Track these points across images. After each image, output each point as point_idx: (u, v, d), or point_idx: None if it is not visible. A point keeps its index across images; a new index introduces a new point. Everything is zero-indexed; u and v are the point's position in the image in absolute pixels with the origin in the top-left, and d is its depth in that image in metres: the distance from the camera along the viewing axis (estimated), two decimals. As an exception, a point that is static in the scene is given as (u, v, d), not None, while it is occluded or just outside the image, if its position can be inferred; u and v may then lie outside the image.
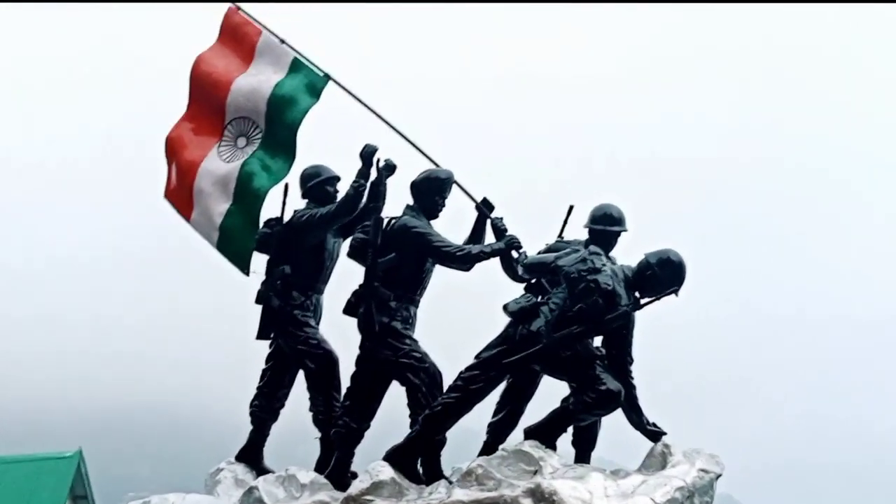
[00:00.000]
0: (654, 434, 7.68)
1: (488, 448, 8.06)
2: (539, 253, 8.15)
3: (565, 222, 8.35)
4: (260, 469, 8.81)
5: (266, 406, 8.91)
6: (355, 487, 7.74)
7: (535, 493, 7.12)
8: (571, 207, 8.32)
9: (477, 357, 7.87)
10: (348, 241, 8.77)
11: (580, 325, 7.51)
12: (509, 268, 8.23)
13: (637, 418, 7.72)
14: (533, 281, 8.21)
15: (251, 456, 8.92)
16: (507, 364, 7.70)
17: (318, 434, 8.65)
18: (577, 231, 8.36)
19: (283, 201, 8.88)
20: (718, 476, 7.45)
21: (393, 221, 8.37)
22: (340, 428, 8.40)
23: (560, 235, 8.37)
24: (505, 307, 7.78)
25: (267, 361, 8.93)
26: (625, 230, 8.02)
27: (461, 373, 7.87)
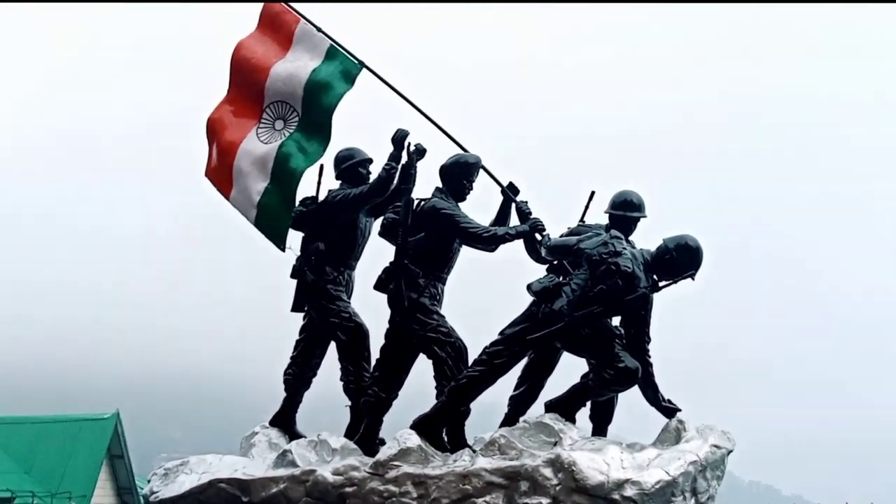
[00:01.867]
0: (669, 410, 7.73)
1: (510, 420, 8.12)
2: (561, 236, 8.16)
3: (587, 207, 8.38)
4: (292, 434, 8.88)
5: (299, 375, 8.98)
6: (384, 453, 7.80)
7: (555, 464, 7.17)
8: (593, 193, 8.36)
9: (501, 333, 7.91)
10: (379, 220, 8.80)
11: (600, 305, 7.53)
12: (532, 250, 8.26)
13: (653, 395, 7.77)
14: (555, 262, 8.22)
15: (284, 421, 9.00)
16: (530, 340, 7.74)
17: (349, 402, 8.70)
18: (598, 216, 8.36)
19: (318, 181, 8.92)
20: (730, 452, 7.51)
21: (423, 203, 8.40)
22: (370, 397, 8.47)
23: (581, 220, 8.39)
24: (528, 287, 7.81)
25: (300, 333, 8.99)
26: (644, 216, 8.04)
27: (486, 348, 7.91)
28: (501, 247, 8.34)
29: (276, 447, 8.72)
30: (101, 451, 32.87)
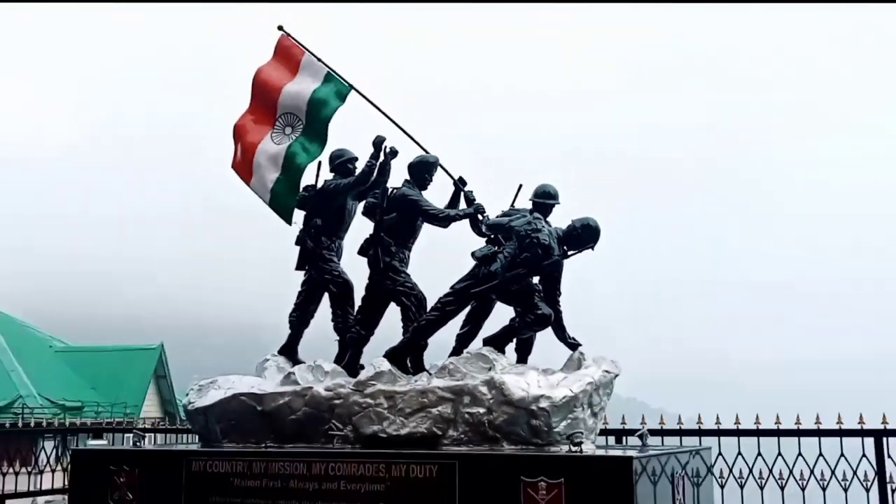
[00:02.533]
0: (573, 346, 7.79)
1: (456, 351, 8.14)
2: (497, 217, 8.17)
3: (515, 196, 8.37)
4: (295, 360, 8.86)
5: (300, 317, 8.97)
6: (363, 375, 7.82)
7: (490, 384, 7.22)
8: (521, 186, 8.36)
9: (451, 288, 7.94)
10: (362, 204, 8.79)
11: (525, 268, 7.58)
12: (475, 226, 8.28)
13: (561, 334, 7.83)
14: (491, 236, 8.23)
15: (289, 351, 8.98)
16: (473, 293, 7.78)
17: (337, 337, 8.69)
18: (524, 203, 8.37)
19: (316, 174, 8.88)
20: (616, 376, 7.57)
21: (395, 191, 8.38)
22: (354, 334, 8.47)
23: (511, 205, 8.37)
24: (473, 254, 7.84)
25: (302, 286, 8.97)
26: (558, 203, 8.08)
27: (440, 298, 7.94)
28: (452, 225, 8.38)
29: (282, 370, 8.69)
30: (149, 372, 32.76)
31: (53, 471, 12.94)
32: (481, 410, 7.19)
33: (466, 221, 8.35)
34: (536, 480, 6.42)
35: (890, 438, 8.68)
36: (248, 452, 7.66)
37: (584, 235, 7.67)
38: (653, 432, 8.61)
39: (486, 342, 7.82)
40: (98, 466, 8.18)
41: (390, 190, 8.38)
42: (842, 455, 8.71)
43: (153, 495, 7.84)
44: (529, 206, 8.17)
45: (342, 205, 8.79)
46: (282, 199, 8.87)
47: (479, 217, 8.21)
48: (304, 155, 8.86)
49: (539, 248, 7.51)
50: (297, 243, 8.86)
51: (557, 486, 6.36)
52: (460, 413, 7.29)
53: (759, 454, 8.69)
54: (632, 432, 8.55)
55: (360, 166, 8.75)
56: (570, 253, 7.72)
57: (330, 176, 8.96)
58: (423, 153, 8.55)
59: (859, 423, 8.84)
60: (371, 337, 8.53)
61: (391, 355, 7.93)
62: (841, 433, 8.83)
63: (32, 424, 12.71)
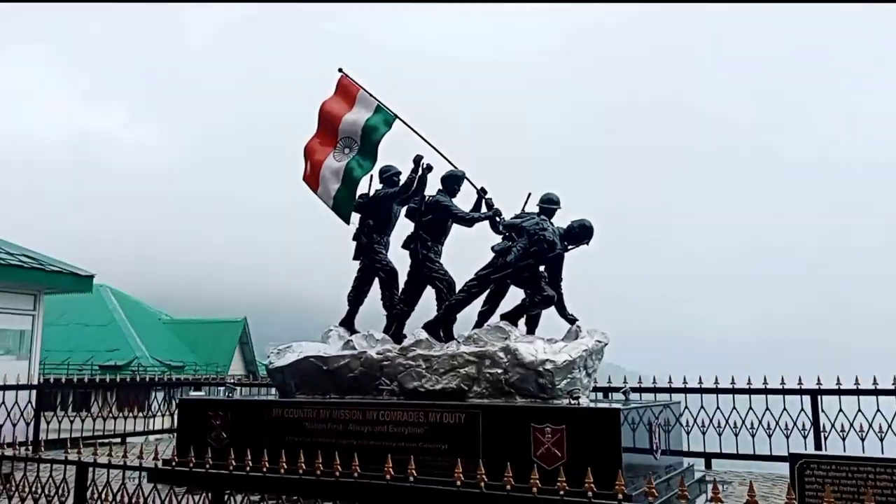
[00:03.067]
0: (571, 320, 7.74)
1: (478, 325, 8.11)
2: (511, 219, 8.12)
3: (525, 203, 8.29)
4: (352, 331, 8.86)
5: (356, 296, 8.96)
6: (406, 342, 7.84)
7: (506, 350, 7.21)
8: (529, 194, 8.27)
9: (475, 274, 7.92)
10: (405, 208, 8.79)
11: (534, 259, 7.55)
12: (494, 226, 8.25)
13: (562, 311, 7.77)
14: (506, 234, 8.20)
15: (347, 323, 8.97)
16: (494, 278, 7.76)
17: (385, 313, 8.70)
18: (532, 208, 8.31)
19: (369, 185, 8.88)
20: (606, 344, 7.52)
21: (430, 198, 8.39)
22: (398, 310, 8.49)
23: (522, 210, 8.29)
24: (492, 248, 7.82)
25: (357, 272, 8.96)
26: (559, 208, 8.00)
27: (466, 283, 7.93)
28: (476, 225, 8.37)
29: (342, 338, 8.71)
30: (235, 339, 33.04)
31: (163, 415, 13.15)
32: (499, 371, 7.18)
33: (486, 223, 8.32)
34: (543, 426, 6.42)
35: (823, 396, 8.61)
36: (316, 402, 7.71)
37: (580, 233, 7.62)
38: (633, 390, 8.59)
39: (503, 317, 7.78)
40: (199, 412, 8.27)
41: (427, 197, 8.38)
42: (784, 409, 8.66)
43: (242, 434, 7.91)
44: (536, 210, 8.14)
45: (389, 209, 8.80)
46: (342, 205, 8.87)
47: (497, 219, 8.19)
48: (359, 170, 8.85)
49: (545, 243, 7.48)
50: (353, 239, 8.88)
51: (560, 430, 6.35)
52: (482, 373, 7.29)
53: (718, 408, 8.65)
54: (616, 390, 8.53)
55: (403, 178, 8.77)
56: (569, 248, 7.66)
57: (379, 186, 8.96)
58: (453, 168, 8.53)
59: (798, 383, 8.77)
60: (412, 313, 8.54)
61: (428, 327, 7.94)
62: (784, 392, 8.77)
63: (147, 379, 12.86)
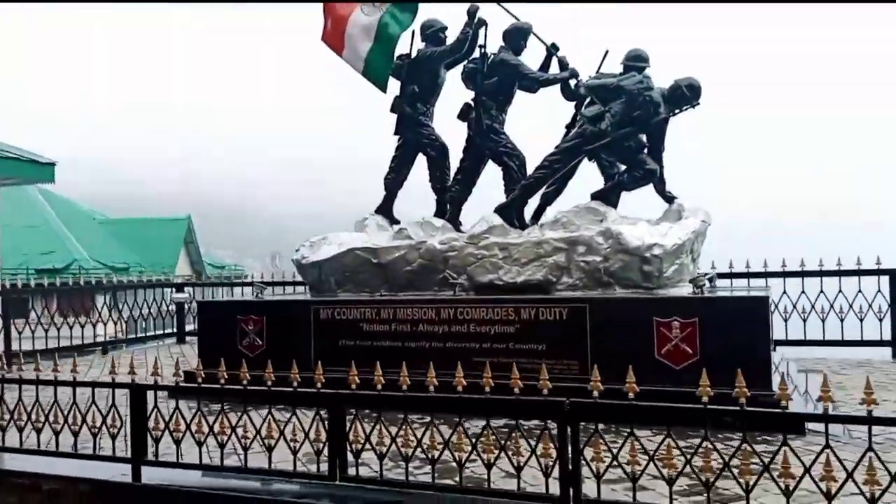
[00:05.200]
0: (670, 199, 6.81)
1: (541, 209, 7.12)
2: (593, 79, 6.93)
3: (601, 62, 7.10)
4: (391, 219, 7.76)
5: (395, 178, 7.75)
6: (477, 229, 6.79)
7: (606, 234, 6.27)
8: (606, 52, 7.10)
9: (557, 147, 6.82)
10: (458, 71, 7.51)
11: (636, 125, 6.49)
12: (566, 91, 7.09)
13: (661, 188, 6.81)
14: (581, 99, 7.05)
15: (386, 210, 7.82)
16: (587, 150, 6.68)
17: (435, 197, 7.58)
18: (610, 68, 7.14)
19: (410, 43, 7.51)
20: (709, 225, 6.68)
21: (494, 56, 7.12)
22: (454, 193, 7.39)
23: (597, 71, 7.11)
24: (582, 114, 6.68)
25: (396, 150, 7.73)
26: (649, 66, 6.87)
27: (546, 157, 6.82)
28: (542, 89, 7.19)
29: (383, 228, 7.62)
30: (180, 239, 31.31)
31: (106, 322, 11.86)
32: (597, 259, 6.25)
33: (557, 87, 7.15)
34: (670, 320, 5.57)
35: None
36: (377, 300, 6.65)
37: (687, 94, 6.52)
38: (722, 276, 7.84)
39: (594, 196, 6.77)
40: (226, 316, 7.11)
41: (489, 55, 7.11)
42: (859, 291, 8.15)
43: (283, 340, 6.83)
44: (620, 70, 7.00)
45: (435, 72, 7.49)
46: (377, 68, 7.51)
47: (573, 81, 7.02)
48: (395, 25, 7.43)
49: (651, 105, 6.40)
50: (393, 110, 7.61)
51: (691, 324, 5.52)
52: (574, 261, 6.35)
53: (803, 291, 8.03)
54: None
55: (450, 36, 7.43)
56: (675, 111, 6.58)
57: (422, 45, 7.59)
58: (516, 20, 7.24)
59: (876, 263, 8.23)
60: (468, 196, 7.45)
61: (501, 210, 6.87)
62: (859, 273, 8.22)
63: (96, 282, 11.52)
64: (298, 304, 7.00)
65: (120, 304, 11.84)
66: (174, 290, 11.95)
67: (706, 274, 6.65)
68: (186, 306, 11.86)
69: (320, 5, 7.77)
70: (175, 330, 11.97)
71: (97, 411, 4.48)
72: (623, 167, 6.73)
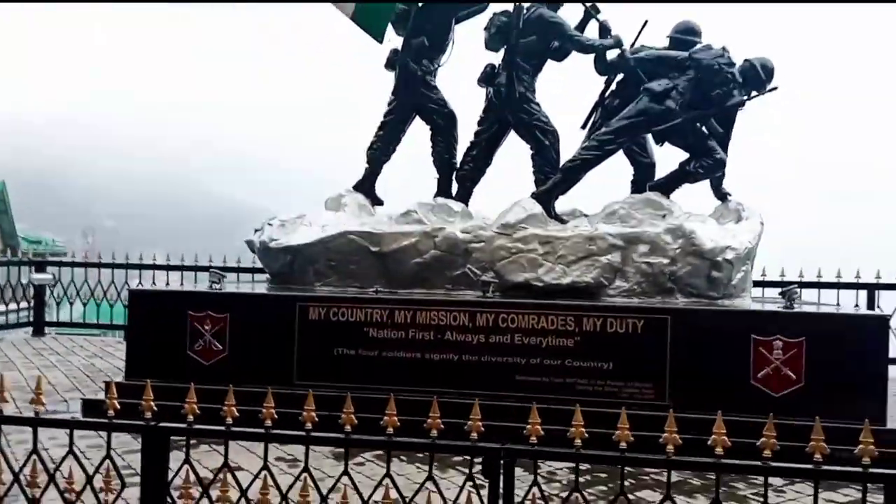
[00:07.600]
0: (724, 196, 6.00)
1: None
2: (648, 51, 5.98)
3: (639, 33, 6.15)
4: (374, 198, 6.43)
5: (383, 149, 6.41)
6: (511, 217, 5.60)
7: (675, 232, 5.35)
8: (646, 22, 6.18)
9: (608, 126, 5.77)
10: (463, 24, 6.31)
11: (709, 107, 5.61)
12: (600, 62, 6.08)
13: (718, 182, 5.97)
14: (615, 74, 6.10)
15: (366, 188, 6.46)
16: (656, 132, 5.69)
17: (437, 175, 6.31)
18: (648, 41, 6.24)
19: None
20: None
21: (531, 10, 5.97)
22: (466, 171, 6.17)
23: (633, 43, 6.16)
24: (646, 88, 5.66)
25: (386, 115, 6.37)
26: (701, 42, 6.03)
27: (596, 136, 5.75)
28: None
29: (364, 208, 6.29)
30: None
31: None
32: (664, 261, 5.32)
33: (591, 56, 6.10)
34: (772, 339, 4.74)
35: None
36: (390, 300, 5.27)
37: (764, 76, 5.70)
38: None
39: (652, 188, 5.85)
40: (171, 311, 5.42)
41: (524, 10, 5.95)
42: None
43: (252, 345, 5.29)
44: (665, 43, 6.13)
45: (448, 25, 6.24)
46: (371, 15, 6.13)
47: (616, 51, 6.03)
48: None
49: (733, 84, 5.53)
50: (387, 66, 6.27)
51: (797, 345, 4.72)
52: (632, 262, 5.38)
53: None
54: (777, 285, 6.99)
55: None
56: (753, 94, 5.73)
57: None
58: None
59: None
60: (482, 177, 6.26)
61: (540, 196, 5.73)
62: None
63: None
64: (279, 300, 5.44)
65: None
66: (32, 269, 9.62)
67: (792, 286, 5.74)
68: (49, 290, 9.60)
69: None
70: (31, 319, 9.70)
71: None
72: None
